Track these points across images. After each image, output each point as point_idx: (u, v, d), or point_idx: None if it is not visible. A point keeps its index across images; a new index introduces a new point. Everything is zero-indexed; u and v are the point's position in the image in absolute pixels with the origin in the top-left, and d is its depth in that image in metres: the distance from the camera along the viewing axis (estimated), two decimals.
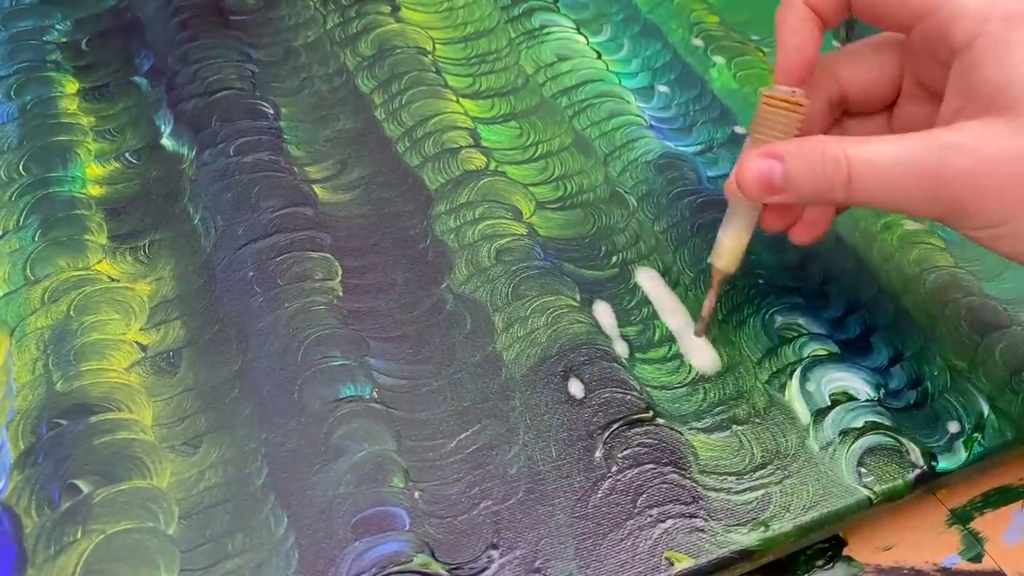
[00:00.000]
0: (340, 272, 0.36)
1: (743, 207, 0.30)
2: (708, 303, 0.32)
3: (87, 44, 0.45)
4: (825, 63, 0.30)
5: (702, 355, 0.33)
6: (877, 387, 0.32)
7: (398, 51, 0.44)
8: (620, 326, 0.34)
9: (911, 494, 0.30)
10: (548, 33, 0.45)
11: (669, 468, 0.30)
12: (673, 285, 0.35)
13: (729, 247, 0.31)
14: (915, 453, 0.30)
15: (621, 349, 0.33)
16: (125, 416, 0.32)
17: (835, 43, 0.44)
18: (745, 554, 0.28)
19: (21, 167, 0.39)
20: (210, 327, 0.34)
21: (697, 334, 0.33)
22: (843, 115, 0.31)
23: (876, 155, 0.26)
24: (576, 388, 0.32)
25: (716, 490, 0.30)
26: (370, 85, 0.43)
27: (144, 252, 0.36)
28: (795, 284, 0.35)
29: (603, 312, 0.34)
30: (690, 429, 0.31)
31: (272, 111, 0.42)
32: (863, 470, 0.30)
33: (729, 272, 0.31)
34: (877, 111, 0.31)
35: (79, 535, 0.29)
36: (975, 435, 0.31)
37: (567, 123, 0.41)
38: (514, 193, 0.38)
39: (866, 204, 0.27)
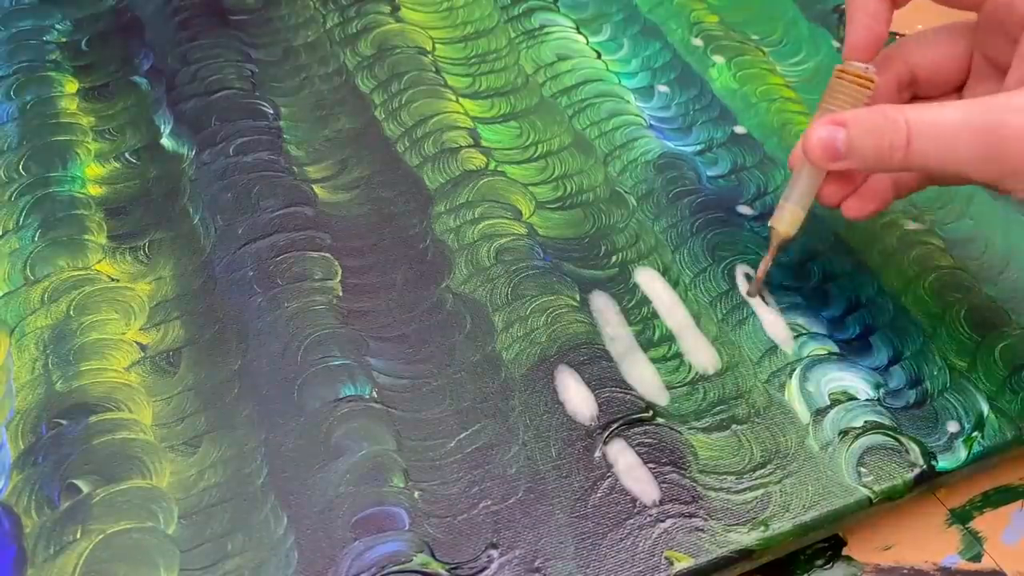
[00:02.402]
0: (340, 272, 0.36)
1: (806, 174, 0.31)
2: (764, 265, 0.33)
3: (87, 44, 0.45)
4: (896, 46, 0.32)
5: (702, 354, 0.33)
6: (877, 387, 0.32)
7: (398, 51, 0.44)
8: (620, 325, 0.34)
9: (911, 494, 0.30)
10: (548, 33, 0.45)
11: (669, 468, 0.30)
12: (673, 284, 0.35)
13: (790, 211, 0.32)
14: (915, 452, 0.30)
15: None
16: (125, 416, 0.32)
17: (835, 43, 0.44)
18: (745, 553, 0.28)
19: (21, 167, 0.39)
20: (210, 327, 0.34)
21: (750, 294, 0.34)
22: (912, 99, 0.32)
23: (936, 117, 0.26)
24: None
25: (716, 489, 0.30)
26: (370, 85, 0.43)
27: (144, 252, 0.36)
28: (795, 284, 0.35)
29: (605, 308, 0.34)
30: (690, 429, 0.31)
31: (272, 111, 0.42)
32: (863, 469, 0.30)
33: (788, 236, 0.32)
34: (946, 93, 0.32)
35: (79, 535, 0.29)
36: (975, 435, 0.31)
37: (567, 123, 0.41)
38: (514, 193, 0.38)
39: (923, 168, 0.27)
